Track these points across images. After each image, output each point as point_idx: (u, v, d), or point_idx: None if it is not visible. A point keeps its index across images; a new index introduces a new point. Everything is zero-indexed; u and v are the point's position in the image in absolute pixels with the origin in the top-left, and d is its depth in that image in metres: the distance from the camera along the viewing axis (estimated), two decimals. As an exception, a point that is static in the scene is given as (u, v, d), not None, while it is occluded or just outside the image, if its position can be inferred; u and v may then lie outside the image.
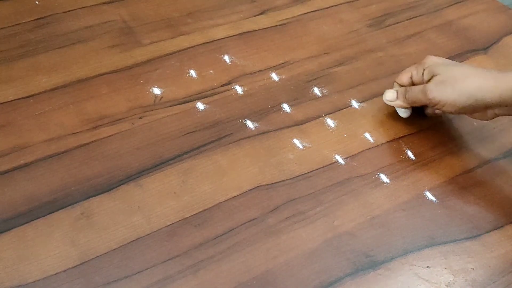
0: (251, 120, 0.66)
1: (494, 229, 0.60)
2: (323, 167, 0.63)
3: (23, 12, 0.75)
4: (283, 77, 0.72)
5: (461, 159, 0.66)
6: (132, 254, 0.53)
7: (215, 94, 0.69)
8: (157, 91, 0.68)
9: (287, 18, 0.82)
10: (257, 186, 0.60)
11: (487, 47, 0.82)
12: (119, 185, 0.58)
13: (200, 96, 0.68)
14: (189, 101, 0.67)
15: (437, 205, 0.61)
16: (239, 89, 0.70)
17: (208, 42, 0.75)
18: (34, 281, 0.50)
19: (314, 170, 0.62)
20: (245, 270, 0.53)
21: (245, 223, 0.57)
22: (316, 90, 0.71)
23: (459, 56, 0.79)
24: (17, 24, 0.74)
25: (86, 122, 0.63)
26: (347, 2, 0.86)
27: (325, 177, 0.62)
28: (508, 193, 0.63)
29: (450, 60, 0.66)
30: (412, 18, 0.85)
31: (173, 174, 0.60)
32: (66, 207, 0.56)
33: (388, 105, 0.68)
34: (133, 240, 0.54)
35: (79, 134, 0.62)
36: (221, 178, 0.60)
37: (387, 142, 0.67)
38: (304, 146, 0.65)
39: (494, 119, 0.62)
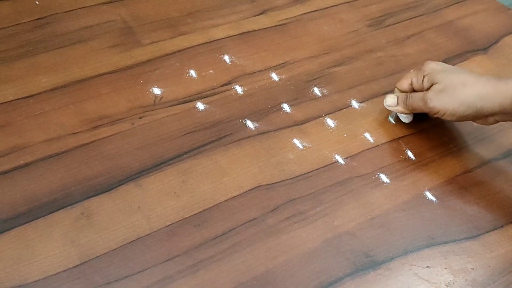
0: (251, 120, 0.66)
1: (494, 229, 0.60)
2: (323, 167, 0.63)
3: (23, 12, 0.75)
4: (283, 77, 0.72)
5: (461, 159, 0.66)
6: (132, 254, 0.53)
7: (215, 94, 0.69)
8: (157, 91, 0.68)
9: (287, 18, 0.82)
10: (257, 186, 0.60)
11: (487, 47, 0.82)
12: (119, 185, 0.58)
13: (200, 96, 0.68)
14: (189, 101, 0.67)
15: (437, 205, 0.61)
16: (239, 89, 0.70)
17: (208, 42, 0.75)
18: (34, 281, 0.50)
19: (314, 170, 0.62)
20: (245, 270, 0.53)
21: (245, 223, 0.57)
22: (316, 90, 0.71)
23: (458, 56, 0.79)
24: (17, 24, 0.74)
25: (86, 122, 0.63)
26: (347, 2, 0.86)
27: (325, 177, 0.62)
28: (508, 193, 0.63)
29: (450, 66, 0.66)
30: (412, 18, 0.85)
31: (173, 174, 0.60)
32: (66, 207, 0.56)
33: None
34: (133, 240, 0.54)
35: (79, 134, 0.62)
36: (221, 178, 0.60)
37: (387, 142, 0.67)
38: (304, 146, 0.65)
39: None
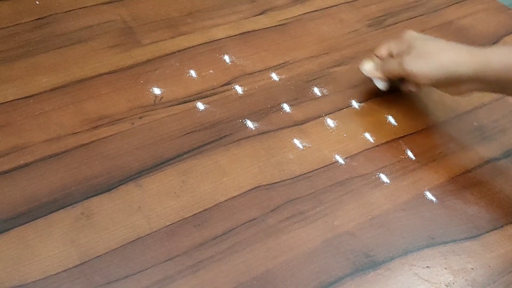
0: (251, 120, 0.66)
1: (494, 229, 0.60)
2: (323, 167, 0.63)
3: (23, 12, 0.75)
4: (283, 77, 0.72)
5: (461, 159, 0.66)
6: (132, 254, 0.53)
7: (215, 94, 0.69)
8: (157, 91, 0.68)
9: (287, 18, 0.82)
10: (257, 186, 0.60)
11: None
12: (119, 185, 0.58)
13: (200, 96, 0.68)
14: (189, 101, 0.67)
15: (437, 205, 0.61)
16: (239, 89, 0.70)
17: (208, 42, 0.75)
18: (34, 281, 0.50)
19: (314, 170, 0.62)
20: (245, 270, 0.53)
21: (245, 223, 0.57)
22: (316, 90, 0.71)
23: (459, 56, 0.79)
24: (17, 24, 0.74)
25: (86, 122, 0.63)
26: (347, 2, 0.86)
27: (325, 177, 0.62)
28: (508, 193, 0.63)
29: (429, 35, 0.67)
30: (412, 18, 0.85)
31: (173, 174, 0.60)
32: (66, 207, 0.56)
33: (386, 104, 0.68)
34: (133, 240, 0.54)
35: (79, 134, 0.62)
36: (221, 178, 0.60)
37: (387, 142, 0.67)
38: (304, 146, 0.65)
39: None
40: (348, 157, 0.64)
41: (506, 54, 0.58)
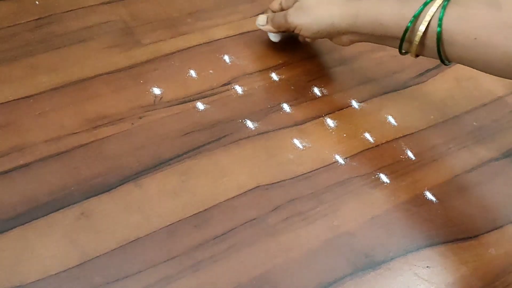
0: (251, 120, 0.66)
1: (494, 229, 0.60)
2: (323, 167, 0.63)
3: (23, 12, 0.75)
4: (283, 77, 0.72)
5: (461, 159, 0.66)
6: (132, 254, 0.53)
7: (215, 94, 0.69)
8: (157, 91, 0.68)
9: (287, 18, 0.82)
10: (257, 186, 0.60)
11: (487, 47, 0.81)
12: (119, 185, 0.58)
13: (200, 96, 0.68)
14: (189, 101, 0.67)
15: (437, 205, 0.61)
16: (239, 89, 0.70)
17: (208, 42, 0.75)
18: (34, 281, 0.50)
19: (314, 170, 0.62)
20: (245, 270, 0.53)
21: (245, 223, 0.57)
22: (316, 90, 0.71)
23: (459, 56, 0.79)
24: (17, 24, 0.74)
25: (86, 122, 0.63)
26: None
27: (325, 177, 0.62)
28: (508, 193, 0.63)
29: None
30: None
31: (173, 174, 0.60)
32: (66, 207, 0.56)
33: (386, 104, 0.68)
34: (133, 240, 0.54)
35: (79, 134, 0.62)
36: (221, 178, 0.60)
37: (387, 142, 0.67)
38: (304, 146, 0.65)
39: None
40: (348, 157, 0.64)
41: (371, 7, 0.60)
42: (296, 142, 0.65)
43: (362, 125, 0.68)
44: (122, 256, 0.53)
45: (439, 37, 0.55)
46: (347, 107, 0.70)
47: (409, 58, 0.62)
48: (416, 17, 0.57)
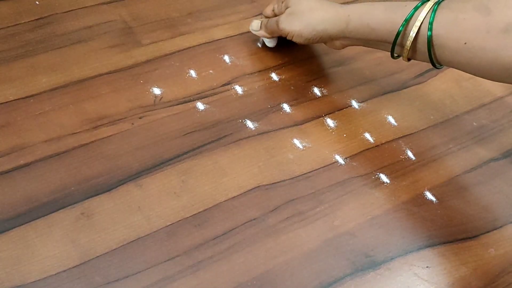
0: (251, 120, 0.66)
1: (494, 229, 0.60)
2: (323, 167, 0.63)
3: (23, 12, 0.75)
4: (283, 77, 0.72)
5: (461, 159, 0.66)
6: (132, 254, 0.53)
7: (215, 94, 0.69)
8: (157, 91, 0.68)
9: (287, 18, 0.82)
10: (257, 186, 0.60)
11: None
12: (119, 185, 0.58)
13: (200, 96, 0.68)
14: (189, 101, 0.67)
15: (437, 205, 0.61)
16: (239, 89, 0.70)
17: (208, 42, 0.75)
18: (34, 281, 0.50)
19: (314, 170, 0.62)
20: (245, 270, 0.53)
21: (245, 223, 0.57)
22: (316, 90, 0.71)
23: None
24: (17, 24, 0.74)
25: (86, 122, 0.63)
26: (347, 2, 0.86)
27: (325, 177, 0.62)
28: (507, 193, 0.63)
29: None
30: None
31: (173, 174, 0.60)
32: (66, 207, 0.56)
33: (386, 104, 0.68)
34: (133, 240, 0.54)
35: (79, 134, 0.62)
36: (221, 178, 0.60)
37: (387, 142, 0.67)
38: (304, 146, 0.65)
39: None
40: (348, 157, 0.64)
41: (363, 13, 0.61)
42: (296, 142, 0.65)
43: (362, 125, 0.68)
44: (122, 256, 0.53)
45: (430, 41, 0.56)
46: (347, 107, 0.70)
47: (409, 58, 0.62)
48: (407, 21, 0.57)
